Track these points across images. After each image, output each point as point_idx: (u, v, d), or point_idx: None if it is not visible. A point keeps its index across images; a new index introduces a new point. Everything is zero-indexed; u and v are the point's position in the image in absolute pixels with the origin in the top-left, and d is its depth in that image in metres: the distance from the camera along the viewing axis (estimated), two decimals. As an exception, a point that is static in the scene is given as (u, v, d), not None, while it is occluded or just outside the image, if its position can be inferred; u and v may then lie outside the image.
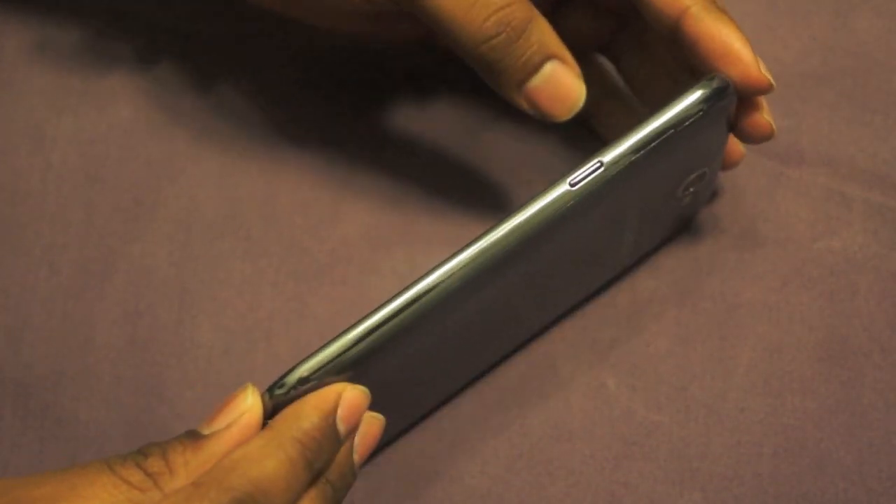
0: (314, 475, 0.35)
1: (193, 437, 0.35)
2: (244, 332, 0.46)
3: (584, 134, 0.47)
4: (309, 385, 0.36)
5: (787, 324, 0.45)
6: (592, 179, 0.38)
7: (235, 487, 0.32)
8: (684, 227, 0.46)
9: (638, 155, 0.38)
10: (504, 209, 0.47)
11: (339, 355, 0.36)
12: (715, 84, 0.39)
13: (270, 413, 0.36)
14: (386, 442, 0.43)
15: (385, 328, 0.37)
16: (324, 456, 0.35)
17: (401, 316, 0.37)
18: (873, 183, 0.47)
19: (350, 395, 0.36)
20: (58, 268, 0.47)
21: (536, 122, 0.41)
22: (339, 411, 0.36)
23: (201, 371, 0.45)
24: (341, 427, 0.36)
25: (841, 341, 0.44)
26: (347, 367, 0.36)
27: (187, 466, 0.34)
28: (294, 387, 0.36)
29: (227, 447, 0.34)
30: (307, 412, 0.35)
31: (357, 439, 0.37)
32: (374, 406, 0.38)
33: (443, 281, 0.37)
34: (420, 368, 0.40)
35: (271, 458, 0.33)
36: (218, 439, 0.34)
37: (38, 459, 0.44)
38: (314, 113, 0.49)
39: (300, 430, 0.34)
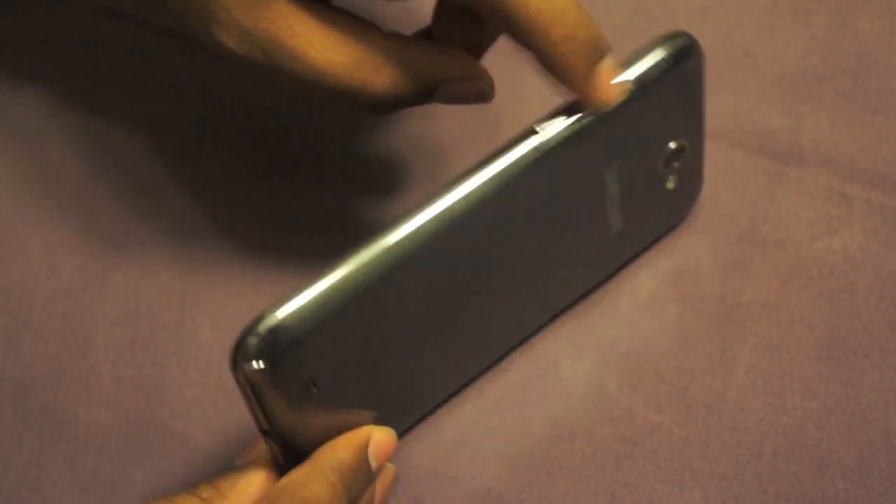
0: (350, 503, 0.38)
1: (232, 468, 0.38)
2: (244, 332, 0.46)
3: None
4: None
5: (786, 324, 0.45)
6: (558, 129, 0.38)
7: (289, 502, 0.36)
8: (678, 221, 0.46)
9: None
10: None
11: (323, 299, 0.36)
12: (679, 42, 0.40)
13: (273, 374, 0.35)
14: None
15: (358, 273, 0.36)
16: (358, 486, 0.38)
17: (369, 263, 0.37)
18: (873, 183, 0.47)
19: (379, 435, 0.39)
20: (58, 268, 0.47)
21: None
22: (370, 447, 0.39)
23: (201, 371, 0.45)
24: (373, 463, 0.39)
25: (841, 341, 0.44)
26: (330, 310, 0.36)
27: (234, 488, 0.37)
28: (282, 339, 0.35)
29: (262, 470, 0.38)
30: (343, 445, 0.38)
31: (377, 486, 0.40)
32: (368, 398, 0.38)
33: (407, 229, 0.37)
34: (407, 341, 0.40)
35: (317, 483, 0.36)
36: (253, 464, 0.38)
37: (37, 459, 0.44)
38: (315, 110, 0.49)
39: (338, 461, 0.37)
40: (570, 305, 0.45)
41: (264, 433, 0.37)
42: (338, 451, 0.38)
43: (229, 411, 0.44)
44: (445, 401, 0.44)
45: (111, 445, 0.44)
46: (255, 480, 0.37)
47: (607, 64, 0.39)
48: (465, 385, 0.44)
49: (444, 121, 0.49)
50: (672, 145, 0.43)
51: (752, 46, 0.50)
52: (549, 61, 0.38)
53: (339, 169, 0.48)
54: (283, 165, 0.48)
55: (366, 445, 0.39)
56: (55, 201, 0.48)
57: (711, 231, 0.46)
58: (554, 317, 0.45)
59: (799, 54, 0.50)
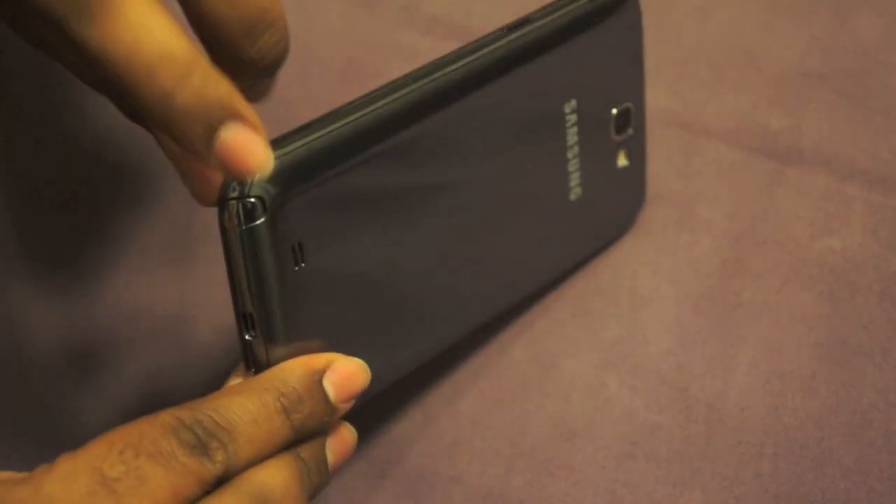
0: (294, 432, 0.34)
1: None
2: (244, 331, 0.46)
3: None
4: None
5: (787, 323, 0.45)
6: (495, 44, 0.38)
7: (197, 409, 0.33)
8: (625, 227, 0.46)
9: (530, 30, 0.39)
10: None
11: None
12: None
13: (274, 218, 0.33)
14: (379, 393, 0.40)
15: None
16: (304, 414, 0.34)
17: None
18: (873, 183, 0.47)
19: (344, 364, 0.35)
20: (59, 267, 0.47)
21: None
22: (329, 375, 0.35)
23: (201, 371, 0.45)
24: (331, 392, 0.35)
25: (841, 341, 0.44)
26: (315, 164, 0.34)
27: None
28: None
29: None
30: (291, 367, 0.34)
31: (330, 441, 0.36)
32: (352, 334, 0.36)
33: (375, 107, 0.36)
34: (392, 247, 0.38)
35: (245, 396, 0.33)
36: None
37: (37, 460, 0.44)
38: (314, 107, 0.49)
39: (281, 381, 0.34)
40: (538, 290, 0.45)
41: (242, 323, 0.35)
42: (284, 372, 0.34)
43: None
44: (434, 360, 0.43)
45: (111, 445, 0.44)
46: None
47: (231, 131, 0.32)
48: (450, 347, 0.43)
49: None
50: (619, 108, 0.43)
51: (752, 46, 0.50)
52: (152, 117, 0.31)
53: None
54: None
55: (321, 371, 0.34)
56: (56, 201, 0.48)
57: (711, 231, 0.46)
58: (525, 297, 0.45)
59: (799, 54, 0.50)
